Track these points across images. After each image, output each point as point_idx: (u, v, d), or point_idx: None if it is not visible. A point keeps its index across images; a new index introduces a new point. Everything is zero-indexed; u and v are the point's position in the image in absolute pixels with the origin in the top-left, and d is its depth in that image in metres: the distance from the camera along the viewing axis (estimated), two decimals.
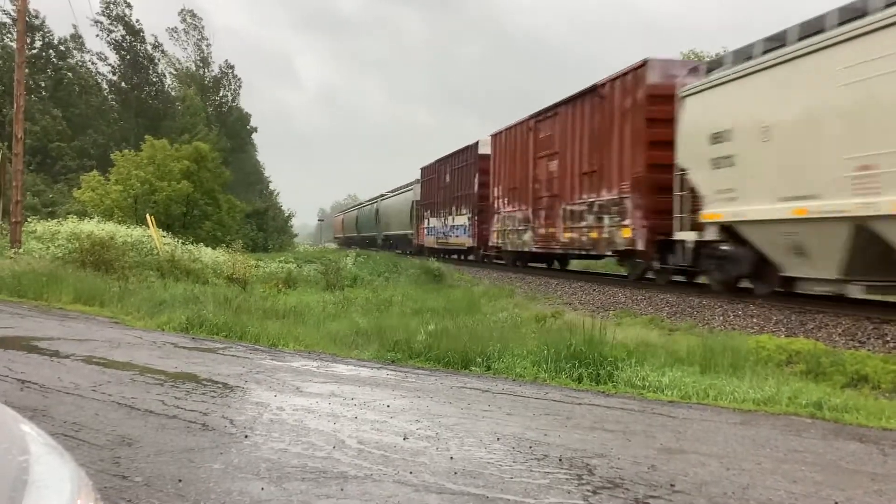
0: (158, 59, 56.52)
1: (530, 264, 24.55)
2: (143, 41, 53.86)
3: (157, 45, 55.85)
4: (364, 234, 56.77)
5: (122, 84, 53.25)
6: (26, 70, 18.27)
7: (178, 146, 29.51)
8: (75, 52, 50.29)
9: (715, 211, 12.19)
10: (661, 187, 13.98)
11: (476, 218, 26.85)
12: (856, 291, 9.97)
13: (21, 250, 15.84)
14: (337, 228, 79.30)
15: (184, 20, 60.61)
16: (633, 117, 14.93)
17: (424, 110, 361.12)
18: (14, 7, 40.06)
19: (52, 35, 47.54)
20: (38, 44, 45.59)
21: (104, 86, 52.26)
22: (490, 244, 25.50)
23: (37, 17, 44.64)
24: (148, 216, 19.08)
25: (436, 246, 33.13)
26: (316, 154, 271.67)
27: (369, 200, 57.19)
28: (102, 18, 51.02)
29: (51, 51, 47.55)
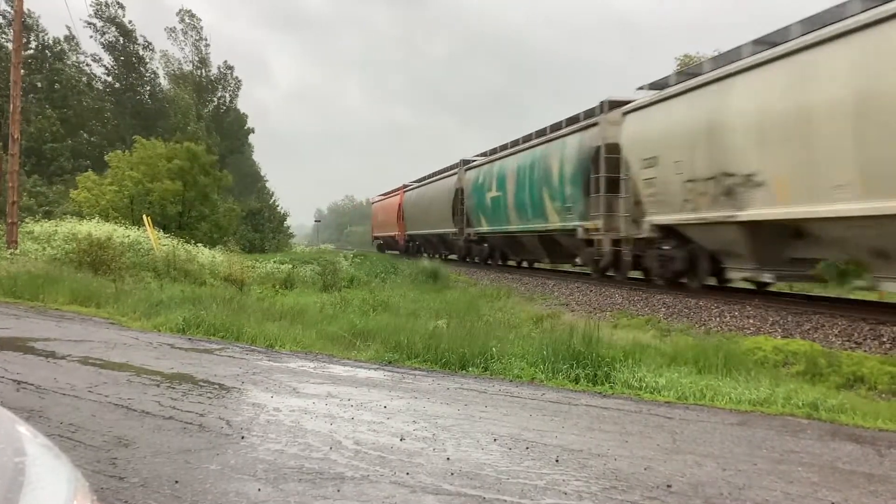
0: (150, 59, 56.46)
1: None
2: (135, 41, 53.78)
3: (147, 45, 55.68)
4: (492, 227, 25.05)
5: (117, 85, 53.18)
6: (22, 70, 18.20)
7: (170, 145, 29.53)
8: (70, 52, 50.21)
9: None
10: None
11: None
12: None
13: (17, 251, 15.80)
14: (383, 223, 47.05)
15: (182, 20, 60.58)
16: None
17: (403, 109, 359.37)
18: (9, 7, 40.03)
19: (45, 34, 47.50)
20: (32, 44, 45.50)
21: (98, 86, 52.17)
22: None
23: (30, 16, 44.58)
24: (144, 216, 19.07)
25: None
26: (299, 154, 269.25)
27: (504, 151, 24.75)
28: (95, 21, 51.00)
29: (46, 51, 47.46)
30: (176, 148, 29.22)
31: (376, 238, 51.12)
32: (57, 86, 45.16)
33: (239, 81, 64.78)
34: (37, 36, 46.50)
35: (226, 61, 65.29)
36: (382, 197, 50.64)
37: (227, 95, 64.28)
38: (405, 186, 41.10)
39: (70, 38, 49.57)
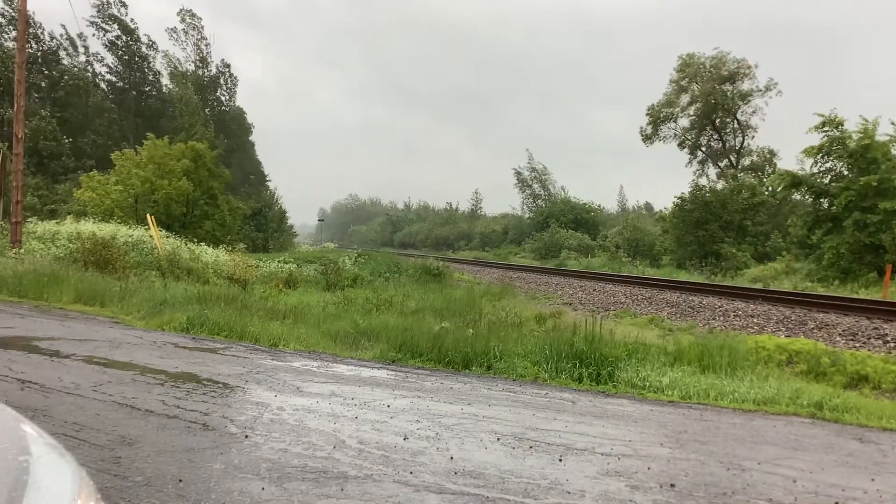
0: (153, 58, 56.52)
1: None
2: (137, 40, 53.88)
3: (150, 44, 55.73)
4: None
5: (120, 84, 53.28)
6: (25, 70, 18.25)
7: (176, 145, 29.58)
8: (73, 50, 50.34)
9: None
10: None
11: None
12: None
13: (22, 250, 15.85)
14: None
15: (183, 20, 60.64)
16: None
17: (377, 106, 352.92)
18: (12, 7, 40.13)
19: (44, 33, 47.52)
20: (33, 44, 45.58)
21: (102, 86, 52.25)
22: None
23: (32, 17, 44.68)
24: (148, 216, 19.10)
25: None
26: (283, 152, 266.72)
27: None
28: (97, 19, 51.08)
29: (45, 48, 47.53)
30: (182, 147, 29.25)
31: None
32: (60, 85, 45.23)
33: (236, 79, 65.00)
34: (37, 35, 46.57)
35: (223, 59, 65.29)
36: None
37: (227, 94, 64.46)
38: None
39: (80, 36, 49.70)
